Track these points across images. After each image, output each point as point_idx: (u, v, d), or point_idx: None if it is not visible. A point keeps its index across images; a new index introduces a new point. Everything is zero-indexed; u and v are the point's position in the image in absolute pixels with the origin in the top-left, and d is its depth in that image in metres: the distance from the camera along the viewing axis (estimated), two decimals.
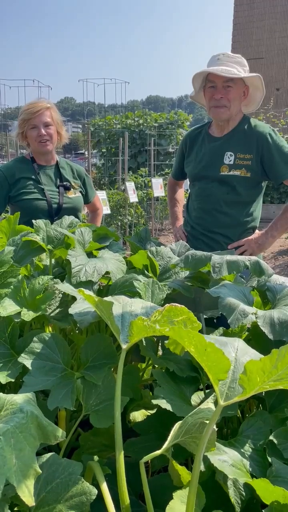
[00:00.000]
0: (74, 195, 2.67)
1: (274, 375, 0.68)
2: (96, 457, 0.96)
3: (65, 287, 1.18)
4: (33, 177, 2.56)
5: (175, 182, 2.92)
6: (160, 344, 1.25)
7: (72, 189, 2.66)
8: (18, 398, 0.74)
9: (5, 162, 12.22)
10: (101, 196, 6.71)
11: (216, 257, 1.24)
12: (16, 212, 1.52)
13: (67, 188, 2.63)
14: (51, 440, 0.75)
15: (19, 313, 1.10)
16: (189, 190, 2.66)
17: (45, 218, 1.50)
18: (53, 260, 1.42)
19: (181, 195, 2.95)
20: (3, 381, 0.97)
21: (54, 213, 2.53)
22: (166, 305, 0.86)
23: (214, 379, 0.73)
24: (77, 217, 2.64)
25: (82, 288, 1.00)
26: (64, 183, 2.64)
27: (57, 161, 2.69)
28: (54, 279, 1.25)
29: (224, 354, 0.70)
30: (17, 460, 0.65)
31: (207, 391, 1.09)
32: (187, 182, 2.79)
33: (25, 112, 2.53)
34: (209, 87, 2.35)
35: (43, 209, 2.51)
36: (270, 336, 1.03)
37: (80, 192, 2.74)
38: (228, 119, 2.39)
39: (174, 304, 0.86)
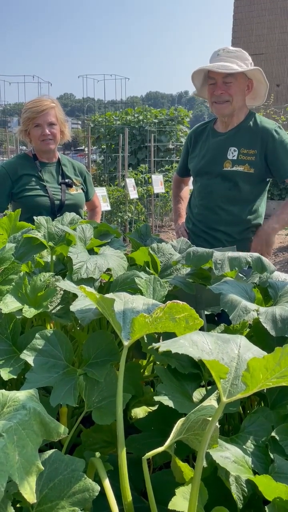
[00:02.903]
0: (76, 191, 2.67)
1: (277, 372, 0.68)
2: (98, 454, 0.96)
3: (66, 284, 1.18)
4: (35, 174, 2.56)
5: (180, 179, 2.88)
6: (161, 340, 1.25)
7: (74, 186, 2.66)
8: (21, 395, 0.74)
9: (5, 158, 12.18)
10: (101, 192, 6.70)
11: (218, 254, 1.24)
12: (17, 209, 1.51)
13: (69, 185, 2.63)
14: (54, 437, 0.75)
15: (21, 310, 1.10)
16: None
17: (47, 215, 1.50)
18: (54, 257, 1.41)
19: (186, 192, 2.90)
20: (5, 378, 0.97)
21: (56, 210, 2.53)
22: (168, 302, 0.86)
23: (216, 376, 0.73)
24: (79, 213, 2.63)
25: (83, 285, 1.00)
26: (66, 180, 2.63)
27: (58, 158, 2.69)
28: (56, 276, 1.25)
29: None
30: (19, 457, 0.65)
31: (208, 387, 1.09)
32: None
33: (30, 110, 2.51)
34: (210, 83, 2.34)
35: (46, 206, 2.50)
36: (272, 333, 1.02)
37: (82, 189, 2.74)
38: (232, 114, 2.37)
39: (176, 301, 0.86)
